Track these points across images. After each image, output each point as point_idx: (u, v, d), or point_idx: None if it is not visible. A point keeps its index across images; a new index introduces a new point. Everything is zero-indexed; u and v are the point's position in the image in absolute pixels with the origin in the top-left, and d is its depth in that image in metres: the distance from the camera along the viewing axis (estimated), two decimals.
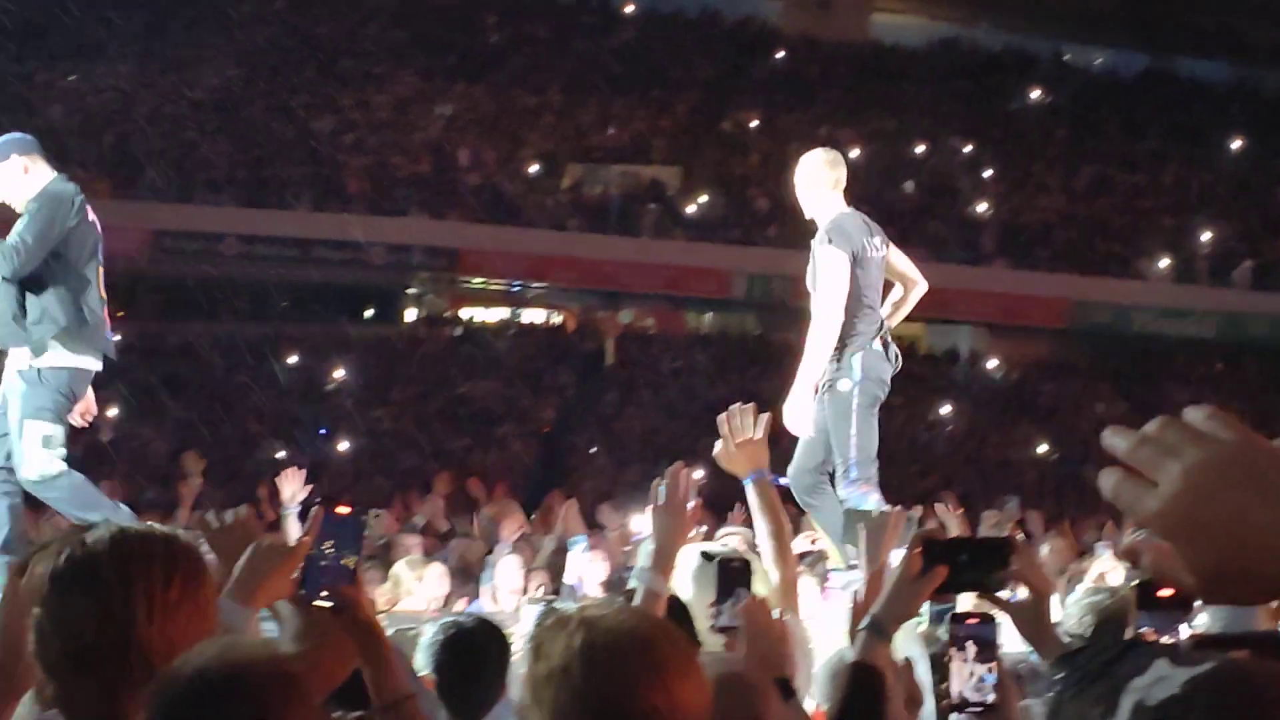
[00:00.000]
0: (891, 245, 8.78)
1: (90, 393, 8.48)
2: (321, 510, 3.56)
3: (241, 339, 28.62)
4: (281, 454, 21.43)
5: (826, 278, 8.40)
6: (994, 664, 3.48)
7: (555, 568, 10.75)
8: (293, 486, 9.50)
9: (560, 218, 33.39)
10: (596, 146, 36.09)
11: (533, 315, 35.66)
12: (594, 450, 25.86)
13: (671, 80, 37.27)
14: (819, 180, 8.64)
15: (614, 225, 33.24)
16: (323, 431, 24.91)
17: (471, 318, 35.02)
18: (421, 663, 4.95)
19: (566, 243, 32.88)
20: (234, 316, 29.91)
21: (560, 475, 22.99)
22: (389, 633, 3.45)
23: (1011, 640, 3.83)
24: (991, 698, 3.45)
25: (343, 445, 24.28)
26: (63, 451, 8.14)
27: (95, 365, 8.33)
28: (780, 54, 40.32)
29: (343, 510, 3.60)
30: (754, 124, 37.11)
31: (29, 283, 8.10)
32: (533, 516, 14.28)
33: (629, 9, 40.63)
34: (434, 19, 38.01)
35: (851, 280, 8.38)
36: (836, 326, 8.39)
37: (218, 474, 19.93)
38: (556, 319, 35.33)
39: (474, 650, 5.00)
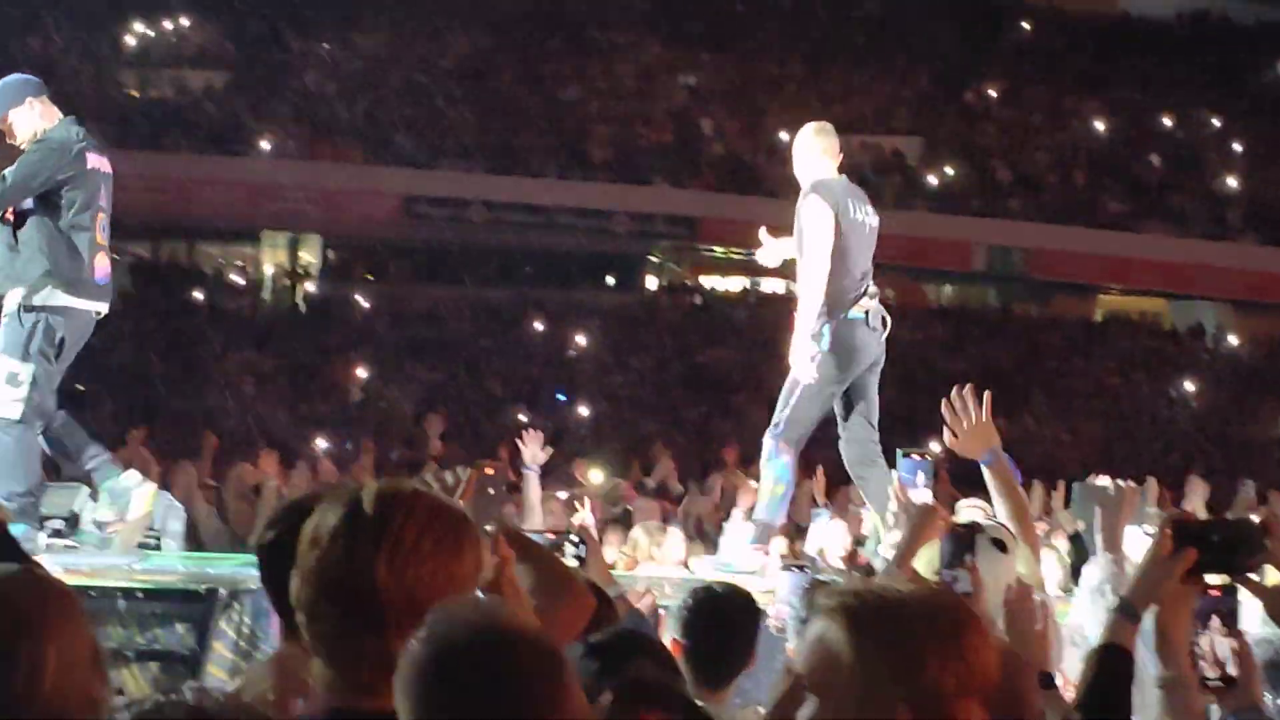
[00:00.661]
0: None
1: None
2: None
3: (487, 304, 29.32)
4: (523, 417, 21.94)
5: (810, 228, 8.50)
6: (1237, 637, 3.43)
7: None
8: (534, 448, 9.78)
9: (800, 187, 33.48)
10: (838, 117, 36.03)
11: (772, 285, 35.81)
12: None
13: (914, 50, 37.05)
14: (807, 148, 8.79)
15: None
16: (562, 397, 25.39)
17: (712, 286, 35.27)
18: (671, 627, 5.01)
19: None
20: (480, 282, 30.61)
21: None
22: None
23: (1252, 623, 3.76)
24: (1234, 671, 3.40)
25: (582, 410, 24.73)
26: (23, 392, 8.05)
27: (88, 308, 8.29)
28: (1025, 25, 39.87)
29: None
30: (996, 95, 36.79)
31: (20, 224, 8.12)
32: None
33: None
34: None
35: (835, 237, 8.45)
36: (825, 276, 8.42)
37: (463, 435, 20.52)
38: (796, 288, 35.40)
39: (723, 616, 4.98)
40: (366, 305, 30.41)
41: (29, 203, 8.12)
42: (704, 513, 12.90)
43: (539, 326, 28.75)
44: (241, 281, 33.06)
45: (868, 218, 8.69)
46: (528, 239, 31.82)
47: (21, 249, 8.07)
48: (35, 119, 8.24)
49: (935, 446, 7.10)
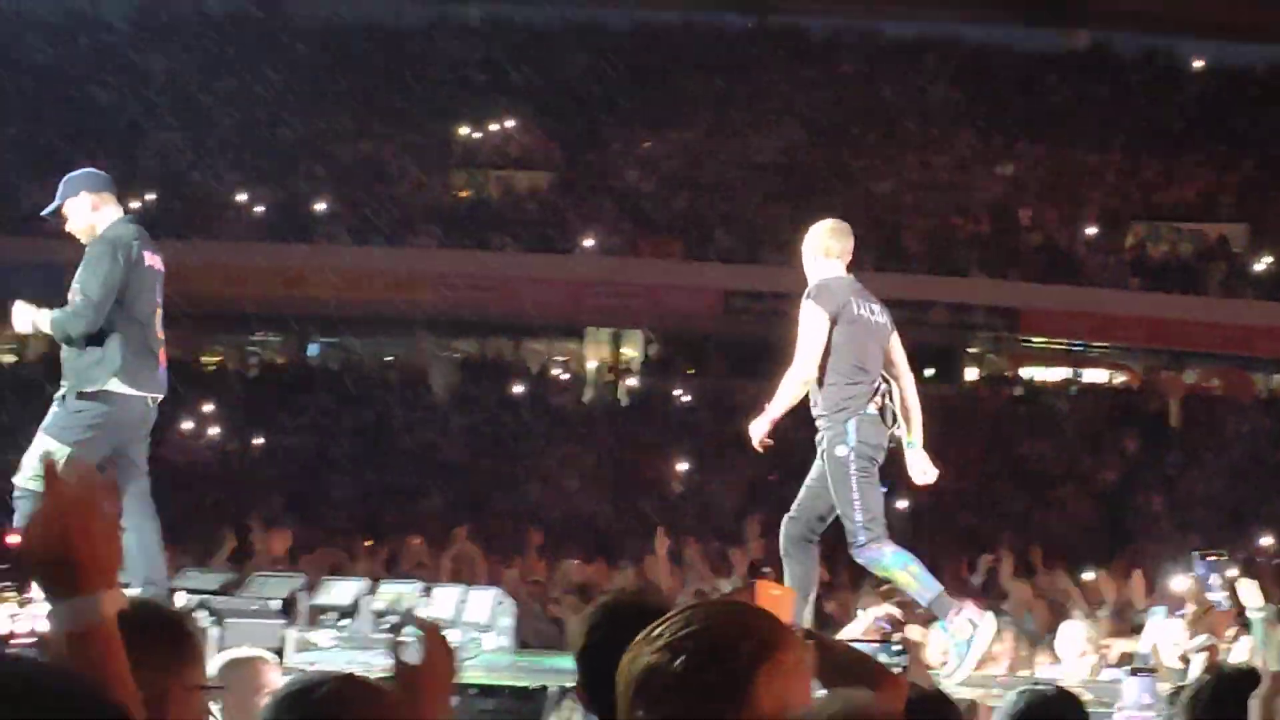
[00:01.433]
0: (894, 329, 8.91)
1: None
2: None
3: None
4: None
5: (802, 330, 8.63)
6: None
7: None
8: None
9: (1121, 276, 32.98)
10: (1159, 204, 35.51)
11: (1094, 375, 35.26)
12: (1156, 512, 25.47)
13: (1237, 135, 36.27)
14: (816, 248, 8.91)
15: (1176, 283, 32.64)
16: (883, 488, 25.29)
17: (1032, 377, 34.87)
18: None
19: (1130, 301, 32.45)
20: None
21: (1122, 538, 22.77)
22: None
23: None
24: None
25: (901, 503, 24.64)
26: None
27: (143, 395, 8.54)
28: None
29: None
30: None
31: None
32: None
33: (1197, 64, 39.73)
34: (994, 79, 38.14)
35: (837, 340, 8.54)
36: (804, 375, 8.57)
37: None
38: (1119, 379, 34.85)
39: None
40: (687, 399, 30.79)
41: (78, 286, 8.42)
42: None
43: None
44: (565, 376, 33.76)
45: (875, 316, 8.81)
46: None
47: (89, 350, 8.40)
48: (89, 212, 8.58)
49: (1266, 541, 7.02)
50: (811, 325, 8.66)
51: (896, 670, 4.88)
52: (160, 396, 8.73)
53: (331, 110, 34.73)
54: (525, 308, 31.84)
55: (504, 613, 9.55)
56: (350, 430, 27.23)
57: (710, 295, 32.45)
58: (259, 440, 27.85)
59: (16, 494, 8.31)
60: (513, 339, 34.44)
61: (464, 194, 36.12)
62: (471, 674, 7.75)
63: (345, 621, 9.00)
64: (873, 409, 8.69)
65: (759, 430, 8.81)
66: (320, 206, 33.29)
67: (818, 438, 8.81)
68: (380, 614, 9.02)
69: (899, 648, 5.19)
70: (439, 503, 23.90)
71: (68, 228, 8.66)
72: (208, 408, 29.24)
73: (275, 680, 5.75)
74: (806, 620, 8.64)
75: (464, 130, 37.03)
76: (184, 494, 25.29)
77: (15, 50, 32.13)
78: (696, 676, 2.76)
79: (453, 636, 8.96)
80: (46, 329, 8.51)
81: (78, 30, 34.30)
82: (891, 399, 8.79)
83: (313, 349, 35.48)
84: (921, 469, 9.16)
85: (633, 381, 33.94)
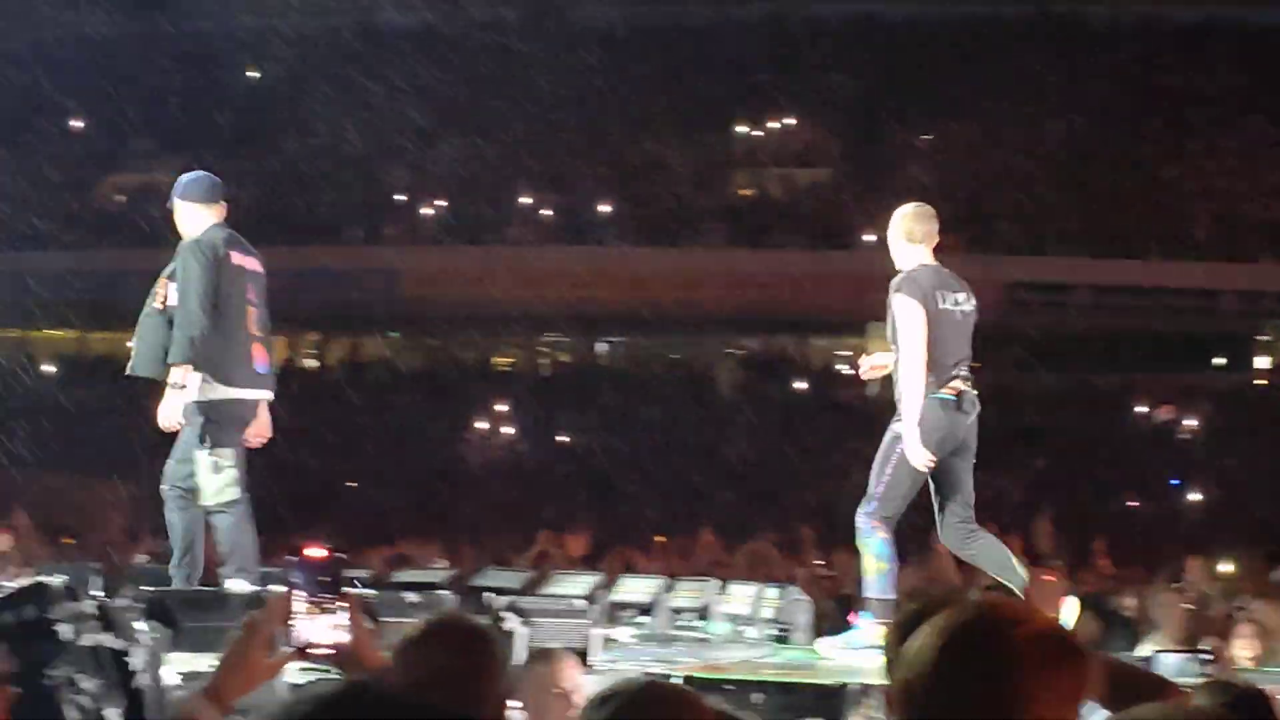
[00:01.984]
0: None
1: (265, 416, 9.17)
2: None
3: (1093, 389, 29.16)
4: (1134, 503, 21.77)
5: (903, 325, 8.62)
6: None
7: None
8: None
9: None
10: None
11: None
12: None
13: None
14: (899, 233, 8.91)
15: None
16: (1175, 482, 25.00)
17: None
18: None
19: None
20: (1085, 367, 30.46)
21: None
22: None
23: None
24: None
25: (1193, 495, 24.32)
26: (234, 473, 8.85)
27: (247, 396, 9.00)
28: None
29: None
30: None
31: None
32: None
33: None
34: None
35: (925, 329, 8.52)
36: (923, 367, 8.54)
37: (1068, 524, 20.48)
38: None
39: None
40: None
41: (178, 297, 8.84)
42: None
43: (1145, 410, 28.39)
44: (849, 372, 33.82)
45: (959, 305, 8.81)
46: (1132, 322, 31.46)
47: (175, 333, 8.83)
48: (186, 217, 9.07)
49: None
50: (910, 317, 8.72)
51: (1203, 679, 4.86)
52: (262, 395, 9.18)
53: (614, 113, 35.29)
54: (808, 304, 32.04)
55: (800, 609, 9.74)
56: (639, 428, 27.71)
57: (993, 288, 32.23)
58: (551, 439, 28.53)
59: (213, 504, 8.92)
60: (796, 336, 34.63)
61: (746, 192, 36.42)
62: (770, 671, 7.92)
63: (644, 619, 9.29)
64: (945, 394, 8.72)
65: (918, 441, 8.64)
66: (605, 208, 33.91)
67: (894, 421, 8.83)
68: (678, 611, 9.32)
69: (1209, 656, 5.12)
70: (728, 499, 24.23)
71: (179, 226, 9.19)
72: (501, 408, 30.06)
73: (579, 679, 6.05)
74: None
75: (745, 129, 37.31)
76: (480, 493, 26.12)
77: (308, 66, 33.34)
78: (971, 684, 2.76)
79: (750, 633, 9.29)
80: (181, 371, 8.86)
81: (367, 44, 35.38)
82: (971, 386, 8.79)
83: (601, 349, 36.14)
84: None
85: None
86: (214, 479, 8.86)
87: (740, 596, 9.96)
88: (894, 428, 8.78)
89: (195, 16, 32.06)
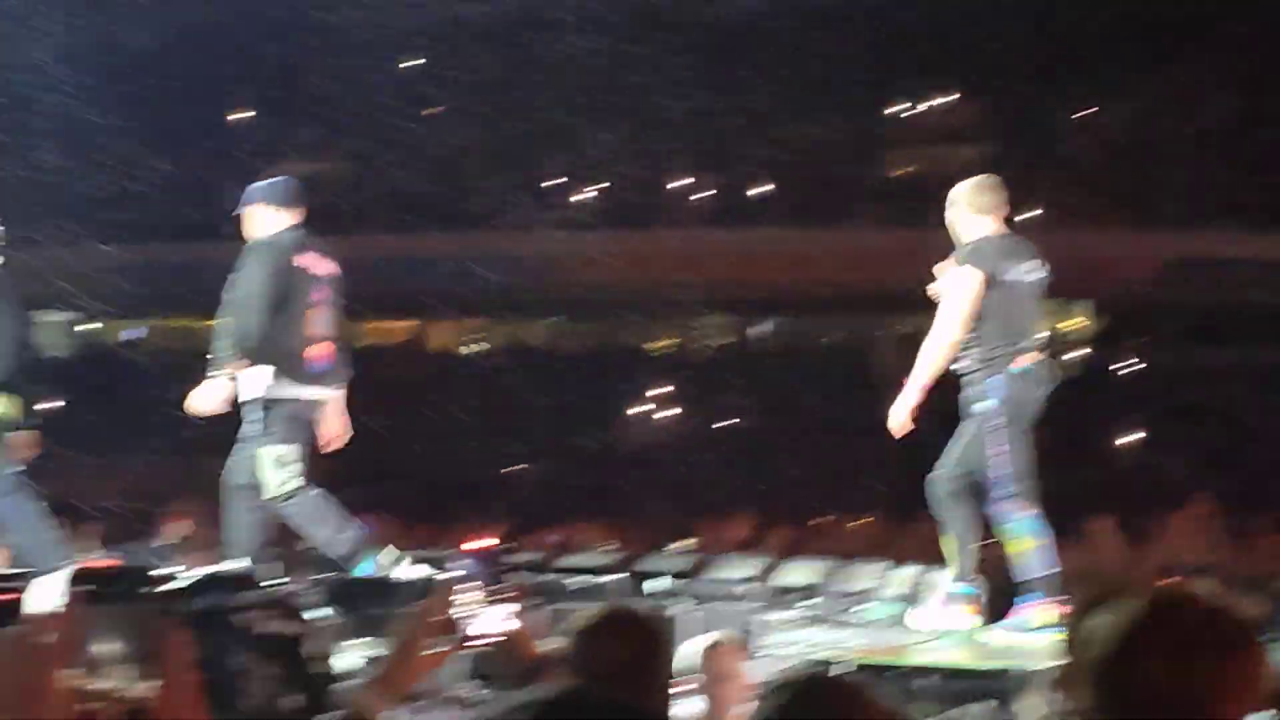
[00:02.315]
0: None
1: (339, 417, 9.38)
2: None
3: (1258, 366, 28.65)
4: None
5: (953, 294, 8.73)
6: None
7: None
8: None
9: None
10: None
11: None
12: None
13: None
14: (964, 204, 8.95)
15: None
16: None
17: None
18: None
19: None
20: (1252, 343, 29.93)
21: None
22: None
23: None
24: None
25: None
26: (295, 470, 8.99)
27: (309, 395, 9.17)
28: None
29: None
30: None
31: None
32: None
33: None
34: None
35: (987, 301, 8.58)
36: (951, 338, 8.66)
37: (1242, 498, 20.15)
38: None
39: None
40: (1136, 370, 30.30)
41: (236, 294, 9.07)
42: None
43: None
44: None
45: (1027, 275, 8.84)
46: None
47: (231, 327, 9.11)
48: (256, 221, 9.34)
49: None
50: (963, 288, 8.78)
51: None
52: (324, 395, 9.38)
53: (769, 93, 35.19)
54: None
55: None
56: (800, 410, 27.69)
57: (1155, 263, 31.80)
58: (712, 422, 28.60)
59: (276, 499, 9.24)
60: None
61: (902, 171, 36.18)
62: (936, 655, 7.91)
63: (808, 602, 9.33)
64: (1024, 365, 8.78)
65: (906, 406, 8.92)
66: (761, 190, 33.86)
67: (962, 396, 8.92)
68: (843, 594, 9.35)
69: None
70: (891, 480, 24.14)
71: (245, 231, 9.43)
72: (661, 391, 30.18)
73: (744, 664, 6.10)
74: (967, 569, 8.79)
75: (900, 106, 37.03)
76: (642, 477, 26.25)
77: (464, 58, 33.61)
78: (1154, 666, 2.77)
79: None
80: (227, 365, 9.16)
81: (523, 27, 35.54)
82: (1047, 354, 8.94)
83: (760, 330, 36.12)
84: None
85: (1080, 353, 33.50)
86: (276, 474, 9.12)
87: (905, 578, 9.97)
88: (975, 409, 8.87)
89: (347, 6, 32.45)
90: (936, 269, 9.10)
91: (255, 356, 9.01)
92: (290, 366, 9.16)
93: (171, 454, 27.20)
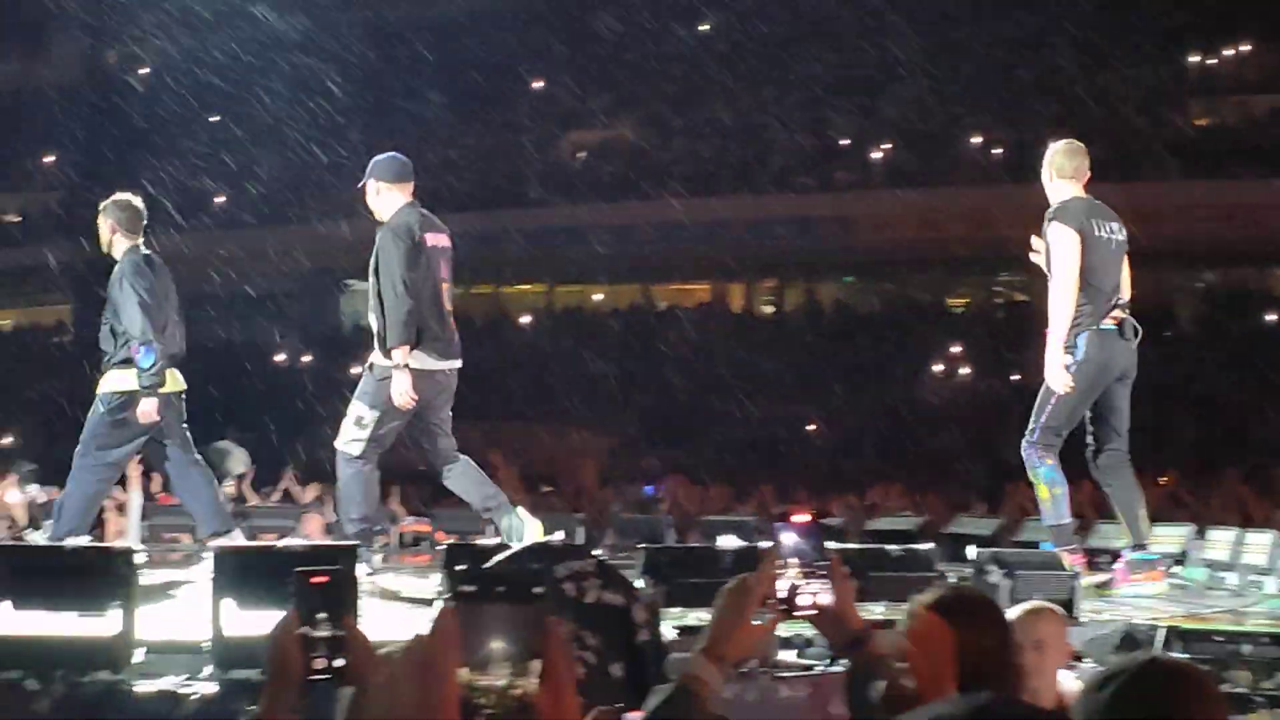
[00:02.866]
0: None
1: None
2: None
3: None
4: None
5: (1056, 252, 8.95)
6: None
7: None
8: None
9: None
10: None
11: None
12: None
13: None
14: (1050, 168, 9.16)
15: None
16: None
17: None
18: None
19: None
20: None
21: None
22: None
23: None
24: None
25: None
26: (367, 435, 9.15)
27: (439, 367, 9.34)
28: None
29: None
30: None
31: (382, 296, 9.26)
32: None
33: None
34: None
35: (1080, 258, 8.84)
36: (1073, 295, 8.86)
37: None
38: None
39: None
40: None
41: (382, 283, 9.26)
42: None
43: None
44: None
45: (1113, 234, 8.98)
46: None
47: (387, 317, 9.25)
48: (374, 197, 9.48)
49: None
50: (1064, 243, 8.99)
51: None
52: (456, 365, 9.58)
53: (1062, 47, 34.60)
54: (1268, 234, 30.91)
55: None
56: None
57: None
58: (1008, 380, 28.34)
59: (339, 451, 9.40)
60: (1259, 267, 33.48)
61: (1201, 122, 35.28)
62: (1260, 621, 7.77)
63: (1120, 565, 9.23)
64: (1108, 324, 8.98)
65: (1060, 366, 8.95)
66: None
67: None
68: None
69: None
70: (1192, 438, 23.72)
71: (361, 202, 9.68)
72: (957, 349, 30.01)
73: (1065, 633, 6.06)
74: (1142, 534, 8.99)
75: (1198, 57, 36.10)
76: (940, 437, 26.19)
77: (750, 19, 33.69)
78: None
79: (1230, 580, 9.18)
80: (402, 352, 9.26)
81: None
82: (1128, 313, 9.06)
83: None
84: None
85: None
86: (350, 429, 9.36)
87: (1219, 541, 9.86)
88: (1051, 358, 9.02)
89: None
90: (1034, 240, 9.32)
91: (413, 339, 9.27)
92: (431, 342, 9.39)
93: (474, 418, 28.02)
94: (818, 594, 3.54)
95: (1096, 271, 8.99)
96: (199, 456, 10.24)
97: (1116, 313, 9.05)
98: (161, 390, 9.78)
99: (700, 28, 35.19)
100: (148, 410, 9.73)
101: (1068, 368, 8.96)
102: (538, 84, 35.81)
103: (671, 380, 29.17)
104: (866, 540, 11.56)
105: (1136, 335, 9.08)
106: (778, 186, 33.00)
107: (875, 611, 6.83)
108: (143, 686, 6.10)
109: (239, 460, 16.29)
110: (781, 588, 3.51)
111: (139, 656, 6.27)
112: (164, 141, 32.60)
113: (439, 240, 9.59)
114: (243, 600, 6.25)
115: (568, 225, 33.78)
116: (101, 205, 10.23)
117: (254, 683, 5.85)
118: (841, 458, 25.46)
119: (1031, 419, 9.10)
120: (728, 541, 8.93)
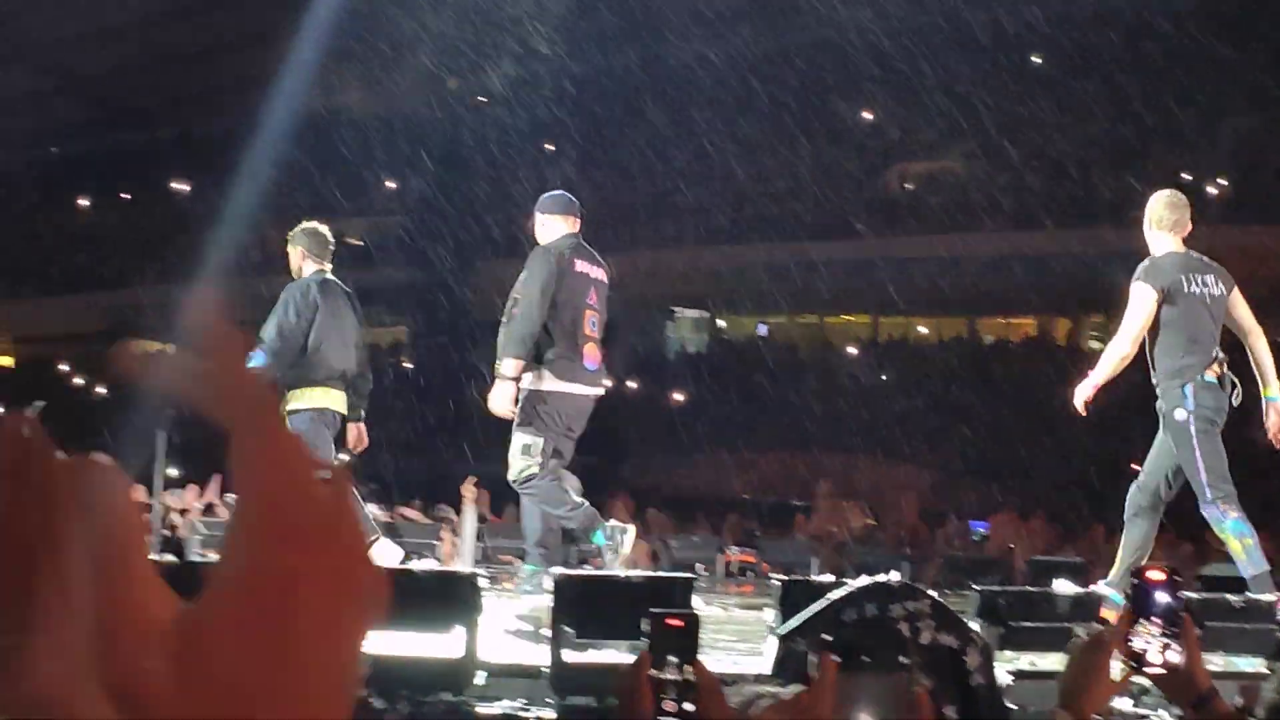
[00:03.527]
0: (1236, 291, 9.17)
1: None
2: None
3: None
4: None
5: (1130, 306, 9.12)
6: None
7: None
8: None
9: None
10: None
11: None
12: None
13: None
14: (1150, 218, 9.19)
15: None
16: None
17: None
18: None
19: None
20: None
21: None
22: None
23: None
24: None
25: None
26: (538, 460, 9.25)
27: (581, 392, 9.57)
28: None
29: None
30: None
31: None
32: None
33: None
34: None
35: (1169, 316, 9.01)
36: (1124, 351, 9.02)
37: None
38: None
39: None
40: None
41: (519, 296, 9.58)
42: None
43: None
44: None
45: (1207, 288, 8.96)
46: None
47: (509, 330, 9.54)
48: (540, 230, 9.86)
49: None
50: (1137, 303, 9.10)
51: None
52: (593, 392, 9.72)
53: None
54: None
55: None
56: None
57: None
58: None
59: (514, 481, 9.53)
60: None
61: None
62: None
63: None
64: (1209, 376, 9.02)
65: (1083, 393, 9.18)
66: None
67: (1158, 405, 9.18)
68: None
69: None
70: None
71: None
72: None
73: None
74: (1119, 583, 8.84)
75: None
76: (1271, 478, 25.34)
77: (1084, 51, 33.12)
78: None
79: None
80: (511, 364, 9.51)
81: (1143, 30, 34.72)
82: (1226, 368, 9.06)
83: None
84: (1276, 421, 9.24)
85: None
86: (519, 460, 9.48)
87: None
88: (1175, 416, 9.08)
89: (981, 6, 32.51)
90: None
91: (532, 356, 9.53)
92: (566, 365, 9.62)
93: (795, 448, 28.08)
94: (1167, 651, 3.51)
95: (1190, 326, 9.14)
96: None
97: (1215, 366, 9.13)
98: (319, 406, 10.14)
99: (1033, 59, 34.75)
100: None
101: (1185, 421, 9.05)
102: (866, 115, 35.79)
103: (997, 415, 28.80)
104: (1198, 588, 11.23)
105: (1234, 388, 9.16)
106: (1100, 220, 32.43)
107: (1214, 664, 6.70)
108: (483, 709, 6.27)
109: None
110: (1135, 645, 3.48)
111: (480, 679, 6.45)
112: (496, 171, 33.42)
113: (591, 270, 9.90)
114: (581, 628, 6.39)
115: (899, 256, 33.69)
116: (290, 234, 10.66)
117: (591, 710, 5.99)
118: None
119: (1194, 485, 9.11)
120: (1064, 586, 8.88)
